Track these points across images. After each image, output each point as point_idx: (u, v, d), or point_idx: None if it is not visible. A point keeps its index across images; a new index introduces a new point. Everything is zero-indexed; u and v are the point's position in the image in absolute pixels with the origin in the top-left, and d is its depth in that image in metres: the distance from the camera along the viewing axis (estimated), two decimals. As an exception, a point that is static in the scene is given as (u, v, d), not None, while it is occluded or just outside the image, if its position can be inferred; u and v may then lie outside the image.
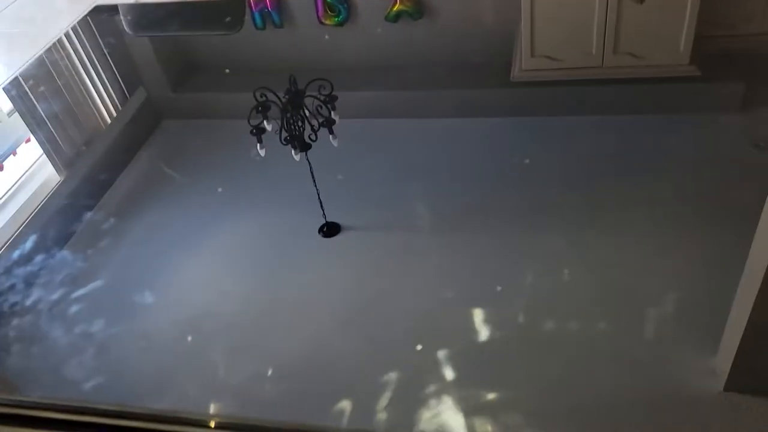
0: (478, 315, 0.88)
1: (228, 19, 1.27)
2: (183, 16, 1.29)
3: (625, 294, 0.86)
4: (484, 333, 0.85)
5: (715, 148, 1.09)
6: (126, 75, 1.42)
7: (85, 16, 1.10)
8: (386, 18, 1.30)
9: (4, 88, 1.08)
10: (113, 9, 1.23)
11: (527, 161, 1.14)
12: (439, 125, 1.27)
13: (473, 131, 1.25)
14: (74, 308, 0.95)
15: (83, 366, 0.85)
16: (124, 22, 1.26)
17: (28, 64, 1.05)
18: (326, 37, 1.37)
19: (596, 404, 0.75)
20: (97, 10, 1.11)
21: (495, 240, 0.99)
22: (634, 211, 0.99)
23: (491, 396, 0.77)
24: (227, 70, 1.44)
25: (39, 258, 1.04)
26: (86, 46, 1.33)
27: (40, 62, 1.20)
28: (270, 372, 0.83)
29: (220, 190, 1.16)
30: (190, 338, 0.89)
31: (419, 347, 0.83)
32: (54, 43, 1.21)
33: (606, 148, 1.13)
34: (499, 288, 0.90)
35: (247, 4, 1.33)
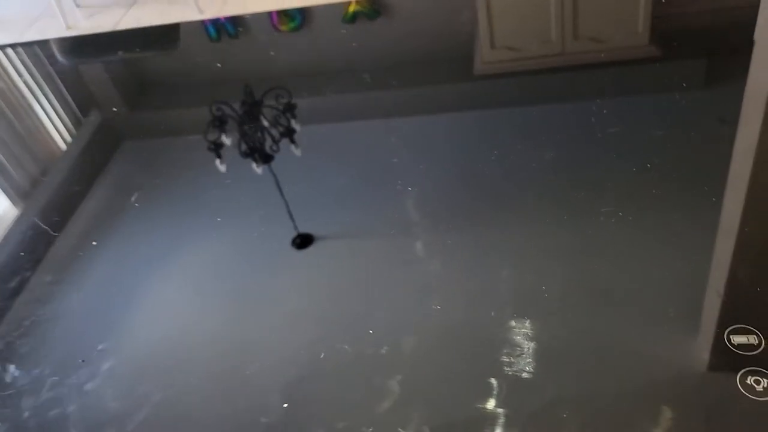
0: (463, 321, 0.85)
1: (163, 38, 1.25)
2: (117, 43, 1.27)
3: (610, 282, 0.85)
4: (473, 340, 0.82)
5: (682, 125, 1.09)
6: (80, 99, 1.38)
7: (20, 47, 1.08)
8: (343, 20, 1.28)
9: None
10: (43, 42, 1.21)
11: (497, 153, 1.12)
12: (405, 124, 1.25)
13: (440, 128, 1.23)
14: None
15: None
16: (56, 53, 1.23)
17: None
18: (282, 43, 1.34)
19: (602, 395, 0.73)
20: (25, 44, 1.09)
21: (473, 238, 0.97)
22: (610, 195, 0.98)
23: (486, 406, 0.75)
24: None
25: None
26: (34, 73, 1.29)
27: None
28: (244, 398, 0.80)
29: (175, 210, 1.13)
30: (155, 374, 0.85)
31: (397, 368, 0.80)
32: None
33: (574, 133, 1.13)
34: (481, 288, 0.88)
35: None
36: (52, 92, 1.31)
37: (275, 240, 1.04)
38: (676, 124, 1.10)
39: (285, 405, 0.80)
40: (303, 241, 1.05)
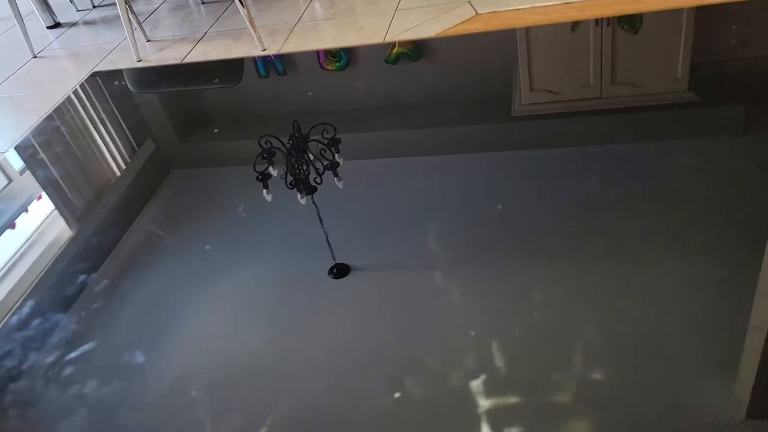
0: (497, 352, 0.86)
1: (226, 73, 1.32)
2: (183, 75, 1.34)
3: (641, 324, 0.85)
4: (505, 370, 0.83)
5: (719, 171, 1.09)
6: (134, 130, 1.45)
7: (88, 78, 1.14)
8: (386, 60, 1.33)
9: (15, 147, 1.12)
10: (114, 72, 1.29)
11: (533, 193, 1.14)
12: (443, 162, 1.28)
13: (477, 166, 1.25)
14: (70, 370, 0.94)
15: (74, 427, 0.84)
16: (127, 82, 1.31)
17: (37, 123, 1.09)
18: (328, 82, 1.40)
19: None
20: (95, 75, 1.16)
21: (507, 276, 0.98)
22: (645, 240, 0.98)
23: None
24: (216, 130, 1.48)
25: (50, 311, 1.05)
26: (95, 105, 1.37)
27: (49, 122, 1.24)
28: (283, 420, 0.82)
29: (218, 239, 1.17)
30: (194, 393, 0.88)
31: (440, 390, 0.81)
32: (62, 104, 1.26)
33: (611, 176, 1.13)
34: (513, 323, 0.89)
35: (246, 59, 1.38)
36: (109, 122, 1.38)
37: (314, 268, 1.07)
38: (714, 169, 1.10)
39: (312, 414, 0.81)
40: (340, 271, 1.08)
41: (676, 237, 0.98)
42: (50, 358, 0.97)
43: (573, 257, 1.00)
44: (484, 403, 0.83)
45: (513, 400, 0.83)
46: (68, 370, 0.95)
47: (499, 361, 0.86)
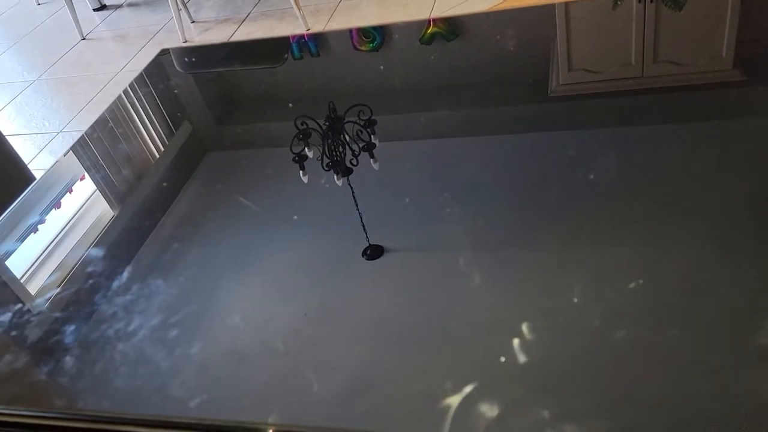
0: (532, 333, 0.86)
1: (272, 54, 1.32)
2: (230, 55, 1.35)
3: (695, 301, 0.83)
4: (540, 352, 0.83)
5: (765, 153, 1.06)
6: (172, 112, 1.48)
7: (148, 58, 1.17)
8: (421, 41, 1.32)
9: (66, 129, 1.15)
10: (180, 50, 1.31)
11: (571, 174, 1.12)
12: (478, 144, 1.27)
13: (513, 148, 1.24)
14: (172, 333, 0.97)
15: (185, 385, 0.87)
16: (175, 63, 1.33)
17: (88, 104, 1.11)
18: (362, 62, 1.39)
19: (684, 413, 0.72)
20: (163, 53, 1.19)
21: (545, 257, 0.97)
22: (691, 220, 0.96)
23: (558, 414, 0.75)
24: (252, 113, 1.48)
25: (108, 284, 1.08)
26: (135, 88, 1.40)
27: (101, 104, 1.27)
28: (316, 389, 0.83)
29: (257, 209, 1.18)
30: (232, 371, 0.90)
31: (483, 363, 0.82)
32: (131, 84, 1.28)
33: (652, 158, 1.11)
34: (551, 305, 0.89)
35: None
36: (149, 105, 1.41)
37: (348, 249, 1.08)
38: (758, 150, 1.07)
39: (343, 390, 0.83)
40: (373, 252, 1.08)
41: (723, 219, 0.95)
42: (95, 334, 1.00)
43: (613, 241, 0.98)
44: (517, 389, 0.83)
45: (550, 383, 0.82)
46: (116, 346, 0.98)
47: (532, 348, 0.86)
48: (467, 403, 0.79)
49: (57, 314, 1.03)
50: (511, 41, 1.29)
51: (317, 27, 1.40)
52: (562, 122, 1.25)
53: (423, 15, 1.29)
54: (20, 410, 0.80)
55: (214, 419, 0.76)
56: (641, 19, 1.06)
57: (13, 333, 0.99)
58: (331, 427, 0.68)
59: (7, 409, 0.81)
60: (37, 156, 1.35)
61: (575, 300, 0.90)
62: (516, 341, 0.86)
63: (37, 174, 1.22)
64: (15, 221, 1.20)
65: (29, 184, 1.19)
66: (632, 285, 0.90)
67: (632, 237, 0.98)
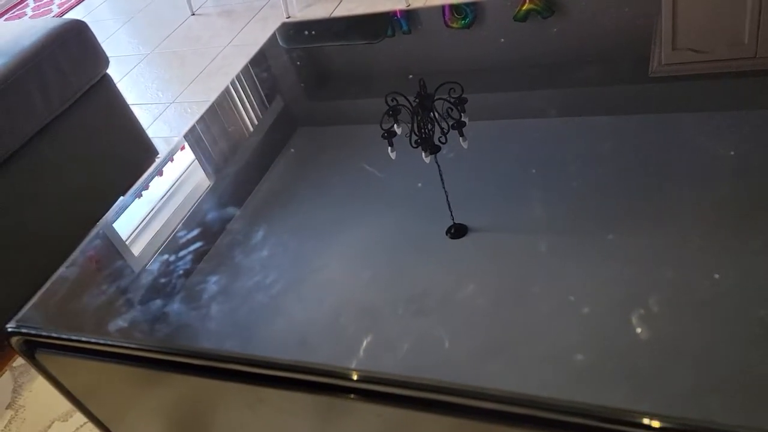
0: (618, 319, 0.84)
1: (373, 29, 1.34)
2: (333, 29, 1.37)
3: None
4: (629, 338, 0.81)
5: None
6: (266, 86, 1.53)
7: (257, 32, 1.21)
8: (515, 18, 1.29)
9: (176, 101, 1.22)
10: (303, 24, 1.35)
11: (671, 160, 1.07)
12: (571, 124, 1.23)
13: (609, 130, 1.19)
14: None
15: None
16: (278, 38, 1.37)
17: (196, 77, 1.17)
18: (454, 40, 1.38)
19: None
20: (284, 25, 1.24)
21: (636, 245, 0.94)
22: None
23: (652, 399, 0.73)
24: (342, 88, 1.50)
25: (194, 247, 1.15)
26: (254, 62, 1.46)
27: (212, 77, 1.33)
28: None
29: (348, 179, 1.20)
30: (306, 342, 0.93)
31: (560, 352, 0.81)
32: (214, 60, 1.34)
33: (762, 144, 1.04)
34: (644, 290, 0.86)
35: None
36: (245, 79, 1.46)
37: (432, 227, 1.09)
38: None
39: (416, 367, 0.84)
40: (457, 230, 1.08)
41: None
42: (193, 289, 1.07)
43: (710, 230, 0.93)
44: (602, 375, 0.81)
45: (642, 366, 0.80)
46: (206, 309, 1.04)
47: (626, 322, 0.84)
48: (559, 384, 0.78)
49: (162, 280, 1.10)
50: (610, 18, 1.24)
51: (417, 2, 1.40)
52: (662, 104, 1.19)
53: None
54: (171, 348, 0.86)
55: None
56: (759, -5, 0.99)
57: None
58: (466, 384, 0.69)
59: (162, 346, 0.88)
60: (153, 124, 1.44)
61: (670, 288, 0.87)
62: (608, 325, 0.84)
63: (155, 142, 1.30)
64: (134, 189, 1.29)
65: (147, 150, 1.27)
66: (728, 276, 0.85)
67: (735, 225, 0.92)
